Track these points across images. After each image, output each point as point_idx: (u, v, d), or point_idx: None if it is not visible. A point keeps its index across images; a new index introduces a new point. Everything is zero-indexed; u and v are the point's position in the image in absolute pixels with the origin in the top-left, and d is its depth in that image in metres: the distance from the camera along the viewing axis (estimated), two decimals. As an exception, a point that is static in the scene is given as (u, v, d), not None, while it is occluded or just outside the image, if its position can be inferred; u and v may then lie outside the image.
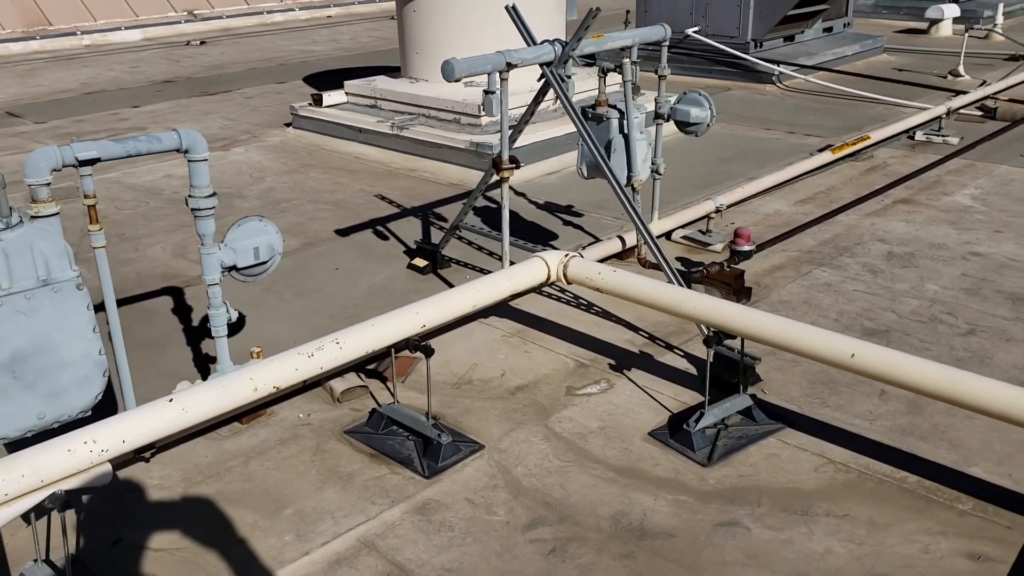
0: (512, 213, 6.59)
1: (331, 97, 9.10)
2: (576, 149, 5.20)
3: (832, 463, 3.67)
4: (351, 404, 4.18)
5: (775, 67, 10.84)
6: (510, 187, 7.15)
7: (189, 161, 3.39)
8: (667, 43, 5.32)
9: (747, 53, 10.97)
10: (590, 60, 5.16)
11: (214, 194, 3.50)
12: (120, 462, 3.64)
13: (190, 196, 3.47)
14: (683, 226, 6.05)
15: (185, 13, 17.68)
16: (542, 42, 4.73)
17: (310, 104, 9.20)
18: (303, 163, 8.23)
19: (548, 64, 4.73)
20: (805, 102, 10.19)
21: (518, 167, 4.85)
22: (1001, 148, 8.06)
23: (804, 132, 8.83)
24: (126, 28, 16.62)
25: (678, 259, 5.72)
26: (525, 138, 7.35)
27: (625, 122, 4.99)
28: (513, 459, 3.75)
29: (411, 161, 8.01)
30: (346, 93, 9.13)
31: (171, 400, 3.08)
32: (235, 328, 4.85)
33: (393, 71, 9.39)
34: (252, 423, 4.03)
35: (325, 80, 11.72)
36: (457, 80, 4.34)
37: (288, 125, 9.43)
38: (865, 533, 3.26)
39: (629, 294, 4.09)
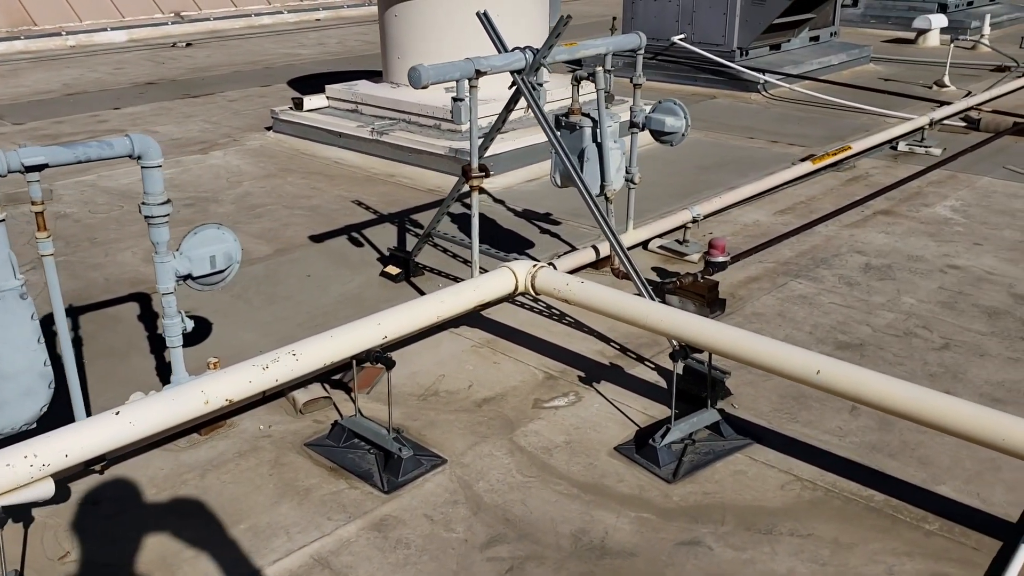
0: (489, 220, 6.55)
1: (312, 101, 9.02)
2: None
3: (799, 480, 3.60)
4: (313, 416, 4.10)
5: (760, 76, 10.81)
6: (489, 194, 7.15)
7: (142, 167, 3.30)
8: (642, 51, 5.26)
9: (733, 61, 10.93)
10: (576, 66, 5.08)
11: (168, 201, 3.41)
12: (72, 474, 3.56)
13: (143, 203, 3.38)
14: (659, 236, 5.98)
15: (172, 15, 17.57)
16: (513, 49, 4.66)
17: (291, 108, 9.12)
18: (282, 167, 8.14)
19: (520, 71, 4.67)
20: (790, 111, 10.15)
21: (488, 175, 4.78)
22: (984, 160, 8.02)
23: (788, 141, 8.78)
24: (112, 29, 16.51)
25: (654, 269, 5.66)
26: (505, 145, 7.32)
27: (598, 131, 4.93)
28: (475, 474, 3.67)
29: (390, 166, 7.93)
30: (327, 97, 9.05)
31: (118, 413, 3.00)
32: (201, 335, 4.79)
33: (378, 76, 9.32)
34: (211, 434, 3.95)
35: (310, 84, 11.64)
36: (424, 87, 4.27)
37: (269, 129, 9.35)
38: (829, 553, 3.19)
39: (596, 306, 4.02)
